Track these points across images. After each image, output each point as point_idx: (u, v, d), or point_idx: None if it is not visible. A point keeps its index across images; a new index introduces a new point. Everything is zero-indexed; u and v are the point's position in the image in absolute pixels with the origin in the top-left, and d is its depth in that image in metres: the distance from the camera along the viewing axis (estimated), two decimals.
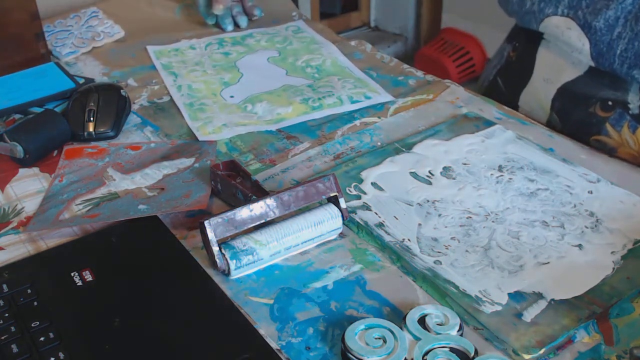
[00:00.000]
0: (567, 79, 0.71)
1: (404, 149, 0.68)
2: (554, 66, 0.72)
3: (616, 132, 0.67)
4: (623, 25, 0.62)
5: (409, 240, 0.57)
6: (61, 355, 0.47)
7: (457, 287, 0.52)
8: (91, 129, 0.72)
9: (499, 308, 0.50)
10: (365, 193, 0.62)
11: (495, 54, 0.89)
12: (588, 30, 0.64)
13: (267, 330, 0.50)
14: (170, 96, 0.81)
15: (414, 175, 0.64)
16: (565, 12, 0.65)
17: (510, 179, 0.63)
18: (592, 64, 0.66)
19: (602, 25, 0.62)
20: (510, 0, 0.75)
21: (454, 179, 0.64)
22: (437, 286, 0.52)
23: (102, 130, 0.72)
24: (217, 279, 0.54)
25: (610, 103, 0.67)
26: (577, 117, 0.69)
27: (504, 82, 0.68)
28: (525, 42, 0.77)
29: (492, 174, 0.64)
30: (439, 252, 0.55)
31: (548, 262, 0.54)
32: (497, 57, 0.87)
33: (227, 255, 0.53)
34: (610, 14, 0.62)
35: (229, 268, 0.53)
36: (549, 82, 0.73)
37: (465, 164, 0.66)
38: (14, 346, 0.48)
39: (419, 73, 0.84)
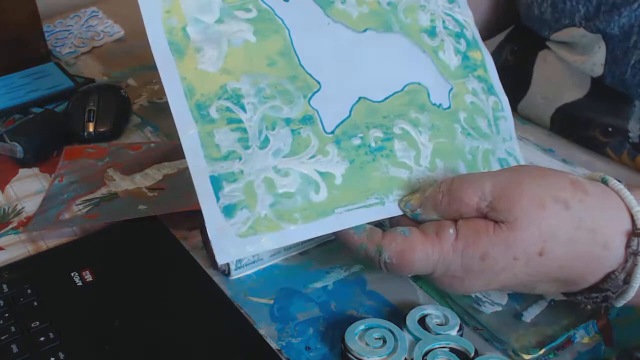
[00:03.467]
0: (567, 100, 0.70)
1: None
2: (553, 85, 0.71)
3: (617, 157, 0.67)
4: (637, 34, 0.61)
5: None
6: (61, 355, 0.47)
7: None
8: (91, 129, 0.72)
9: (499, 308, 0.50)
10: None
11: (493, 51, 0.88)
12: (604, 36, 0.63)
13: (267, 330, 0.50)
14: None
15: None
16: (583, 24, 0.65)
17: None
18: (601, 72, 0.65)
19: (617, 32, 0.62)
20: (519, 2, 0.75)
21: None
22: (437, 286, 0.52)
23: (102, 130, 0.72)
24: (217, 279, 0.54)
25: (610, 129, 0.66)
26: (577, 138, 0.69)
27: (503, 84, 0.67)
28: (525, 48, 0.77)
29: None
30: None
31: None
32: (494, 56, 0.87)
33: None
34: (624, 21, 0.61)
35: (229, 268, 0.53)
36: (547, 100, 0.72)
37: None
38: (14, 346, 0.48)
39: None
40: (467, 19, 0.59)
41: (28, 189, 0.66)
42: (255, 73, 0.49)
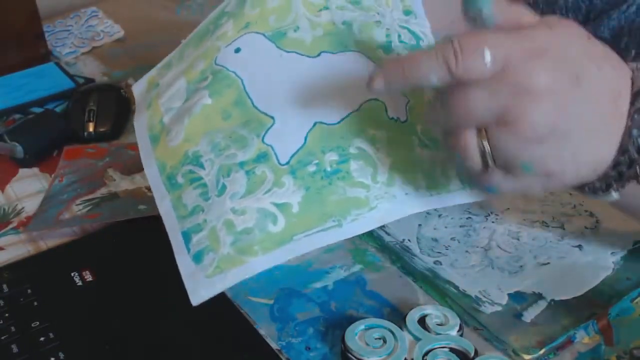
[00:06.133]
0: None
1: None
2: None
3: None
4: (628, 35, 0.61)
5: (409, 240, 0.57)
6: (61, 355, 0.47)
7: (457, 288, 0.52)
8: (91, 129, 0.72)
9: (499, 308, 0.50)
10: None
11: None
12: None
13: (267, 331, 0.50)
14: None
15: None
16: None
17: None
18: None
19: (607, 35, 0.62)
20: None
21: None
22: (437, 286, 0.52)
23: (102, 130, 0.72)
24: None
25: None
26: None
27: None
28: None
29: None
30: (439, 252, 0.55)
31: (548, 263, 0.54)
32: None
33: None
34: (614, 24, 0.61)
35: None
36: None
37: None
38: (14, 346, 0.48)
39: None
40: (424, 29, 0.58)
41: (28, 189, 0.66)
42: (212, 131, 0.52)
